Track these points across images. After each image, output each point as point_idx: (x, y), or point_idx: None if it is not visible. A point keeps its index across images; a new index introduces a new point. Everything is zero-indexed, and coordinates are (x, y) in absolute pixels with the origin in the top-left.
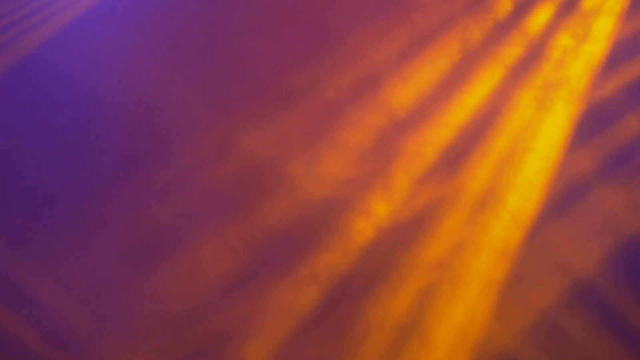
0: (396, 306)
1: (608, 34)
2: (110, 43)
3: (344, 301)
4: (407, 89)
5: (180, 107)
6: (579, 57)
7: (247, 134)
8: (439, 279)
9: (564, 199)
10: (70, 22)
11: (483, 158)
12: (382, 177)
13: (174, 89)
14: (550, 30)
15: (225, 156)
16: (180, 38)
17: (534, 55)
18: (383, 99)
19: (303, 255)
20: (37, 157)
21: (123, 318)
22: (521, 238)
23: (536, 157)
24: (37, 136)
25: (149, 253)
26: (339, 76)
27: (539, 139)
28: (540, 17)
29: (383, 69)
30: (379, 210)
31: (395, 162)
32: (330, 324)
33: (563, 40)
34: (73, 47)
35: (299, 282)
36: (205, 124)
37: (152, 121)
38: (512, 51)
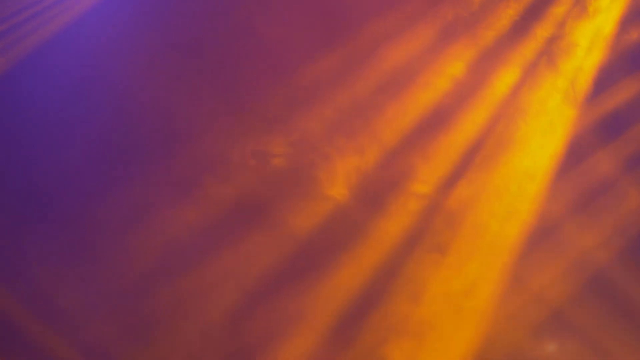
0: (416, 308)
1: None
2: (111, 44)
3: (367, 308)
4: (425, 86)
5: (188, 107)
6: (591, 57)
7: (262, 133)
8: (455, 280)
9: (584, 198)
10: (69, 23)
11: (501, 154)
12: (405, 175)
13: (181, 88)
14: (564, 30)
15: (238, 157)
16: (185, 37)
17: (549, 54)
18: (402, 94)
19: (327, 262)
20: (36, 157)
21: (148, 324)
22: (537, 234)
23: (553, 154)
24: (37, 136)
25: (169, 260)
26: (356, 72)
27: (558, 137)
28: (554, 18)
29: (401, 64)
30: (401, 213)
31: (418, 160)
32: (352, 330)
33: (577, 40)
34: (72, 48)
35: (325, 289)
36: (217, 123)
37: (161, 121)
38: (526, 51)
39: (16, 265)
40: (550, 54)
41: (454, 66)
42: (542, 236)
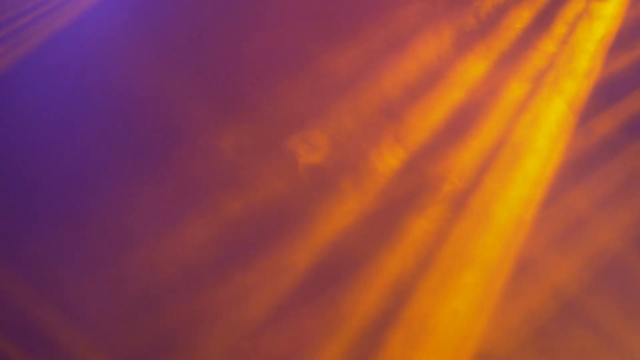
0: (372, 300)
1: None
2: (111, 44)
3: (326, 288)
4: (404, 68)
5: (188, 107)
6: (600, 65)
7: (263, 131)
8: (427, 266)
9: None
10: (69, 23)
11: (510, 160)
12: (366, 160)
13: (181, 88)
14: (572, 38)
15: (237, 154)
16: (185, 36)
17: (557, 62)
18: (377, 81)
19: (280, 239)
20: (36, 157)
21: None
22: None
23: (560, 160)
24: (37, 136)
25: (166, 255)
26: (335, 60)
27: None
28: (562, 26)
29: (379, 51)
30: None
31: (384, 145)
32: (308, 311)
33: (585, 47)
34: (72, 48)
35: (279, 266)
36: (216, 122)
37: (161, 121)
38: (535, 60)
39: (16, 265)
40: (557, 59)
41: (462, 75)
42: (559, 230)
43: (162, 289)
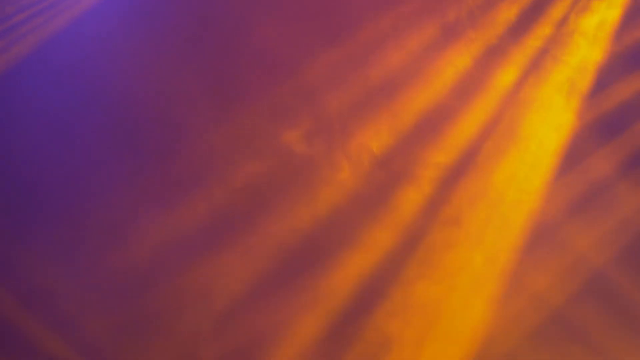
0: (407, 315)
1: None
2: (112, 41)
3: (354, 317)
4: (427, 81)
5: (189, 106)
6: (594, 53)
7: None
8: (415, 245)
9: (584, 197)
10: (71, 20)
11: (502, 151)
12: (358, 144)
13: (182, 88)
14: (567, 26)
15: (238, 155)
16: (185, 36)
17: (551, 50)
18: (401, 93)
19: (265, 219)
20: (36, 157)
21: (144, 323)
22: (536, 233)
23: (553, 151)
24: (37, 136)
25: (167, 257)
26: (356, 69)
27: (559, 134)
28: (557, 13)
29: (402, 61)
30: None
31: (376, 131)
32: (337, 340)
33: (580, 35)
34: (72, 47)
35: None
36: (217, 122)
37: (161, 121)
38: (529, 47)
39: (15, 265)
40: (552, 49)
41: (454, 62)
42: (541, 235)
43: (163, 288)
